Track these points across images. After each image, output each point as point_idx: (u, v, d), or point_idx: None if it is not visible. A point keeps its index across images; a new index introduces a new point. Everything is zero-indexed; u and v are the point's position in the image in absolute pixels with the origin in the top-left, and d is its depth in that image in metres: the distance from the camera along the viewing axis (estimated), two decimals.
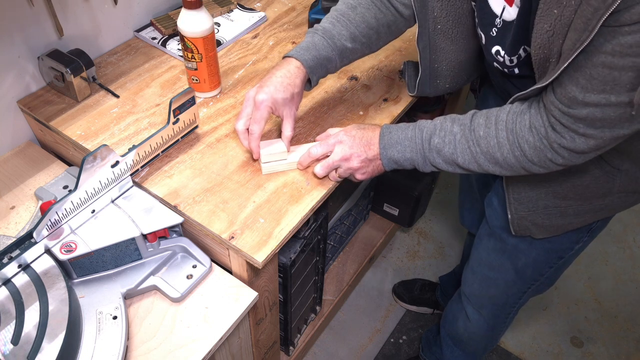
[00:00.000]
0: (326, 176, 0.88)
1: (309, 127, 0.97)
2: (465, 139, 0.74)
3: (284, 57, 0.86)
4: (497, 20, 0.74)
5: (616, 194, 0.81)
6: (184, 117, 0.89)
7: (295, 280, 1.13)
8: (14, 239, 0.73)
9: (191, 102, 0.88)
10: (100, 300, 0.75)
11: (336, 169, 0.85)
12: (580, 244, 0.93)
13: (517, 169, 0.73)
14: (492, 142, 0.72)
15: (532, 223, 0.88)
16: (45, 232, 0.73)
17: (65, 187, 0.90)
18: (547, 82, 0.64)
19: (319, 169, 0.85)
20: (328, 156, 0.84)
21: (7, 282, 0.71)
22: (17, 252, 0.72)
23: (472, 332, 1.20)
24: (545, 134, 0.67)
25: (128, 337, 0.73)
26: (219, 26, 1.21)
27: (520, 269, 0.99)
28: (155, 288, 0.80)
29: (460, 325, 1.22)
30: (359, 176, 0.84)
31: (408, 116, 1.63)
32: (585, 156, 0.67)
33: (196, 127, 0.94)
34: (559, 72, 0.61)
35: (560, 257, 0.96)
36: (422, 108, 1.63)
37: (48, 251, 0.75)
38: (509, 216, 0.89)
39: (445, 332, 1.32)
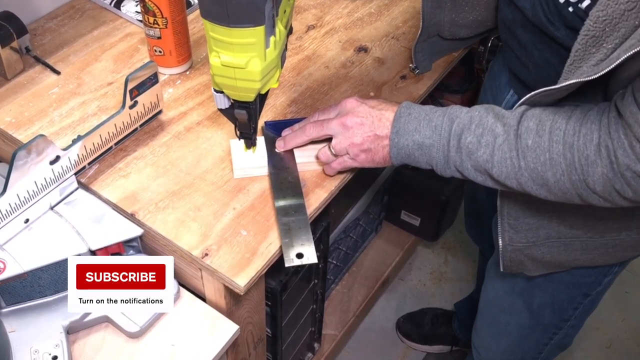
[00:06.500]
0: (327, 176, 0.88)
1: (304, 112, 0.98)
2: (508, 145, 0.70)
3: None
4: None
5: (635, 228, 0.81)
6: (144, 99, 0.90)
7: (287, 310, 1.13)
8: None
9: (153, 80, 0.89)
10: (36, 336, 0.75)
11: (331, 143, 0.82)
12: (609, 276, 0.93)
13: (571, 197, 0.69)
14: (543, 157, 0.68)
15: (528, 257, 0.88)
16: None
17: None
18: (598, 75, 0.60)
19: (307, 125, 0.84)
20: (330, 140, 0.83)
21: None
22: None
23: None
24: (615, 156, 0.63)
25: None
26: None
27: (536, 310, 0.99)
28: (107, 320, 0.80)
29: None
30: (361, 158, 0.81)
31: (432, 98, 1.63)
32: None
33: (159, 112, 0.95)
34: (618, 62, 0.57)
35: (586, 294, 0.95)
36: (450, 87, 1.63)
37: None
38: (500, 246, 0.88)
39: None
